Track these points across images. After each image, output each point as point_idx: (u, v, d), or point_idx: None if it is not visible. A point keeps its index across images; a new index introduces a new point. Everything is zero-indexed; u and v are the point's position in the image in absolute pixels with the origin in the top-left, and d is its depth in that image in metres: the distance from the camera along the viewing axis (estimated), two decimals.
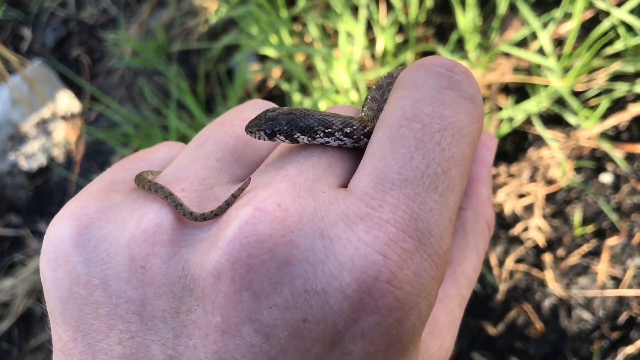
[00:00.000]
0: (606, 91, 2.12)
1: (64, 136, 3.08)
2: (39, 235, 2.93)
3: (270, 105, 0.70)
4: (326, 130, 0.62)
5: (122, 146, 2.79)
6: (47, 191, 3.03)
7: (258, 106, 0.70)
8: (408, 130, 0.55)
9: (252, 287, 0.49)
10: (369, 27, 2.45)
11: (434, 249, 0.52)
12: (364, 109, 0.68)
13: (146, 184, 0.59)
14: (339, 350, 0.50)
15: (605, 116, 2.11)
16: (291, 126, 0.62)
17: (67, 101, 3.11)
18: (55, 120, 3.08)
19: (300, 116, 0.63)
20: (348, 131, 0.62)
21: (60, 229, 0.58)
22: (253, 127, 0.63)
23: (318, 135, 0.61)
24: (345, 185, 0.58)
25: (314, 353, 0.50)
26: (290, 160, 0.59)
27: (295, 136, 0.62)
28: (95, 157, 3.01)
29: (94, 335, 0.54)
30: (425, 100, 0.57)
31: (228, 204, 0.55)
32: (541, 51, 2.19)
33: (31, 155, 3.02)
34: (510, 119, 2.19)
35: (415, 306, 0.51)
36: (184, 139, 2.54)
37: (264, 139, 0.63)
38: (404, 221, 0.51)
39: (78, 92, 3.16)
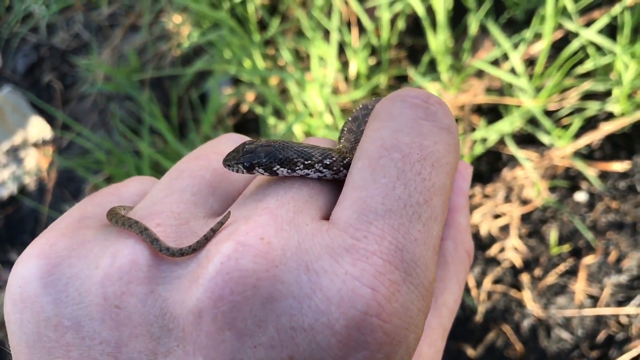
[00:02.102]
0: (578, 110, 2.14)
1: (36, 164, 3.03)
2: (10, 265, 2.87)
3: (245, 138, 0.69)
4: (306, 162, 0.61)
5: (94, 174, 2.75)
6: (18, 220, 2.97)
7: (232, 140, 0.69)
8: (388, 160, 0.55)
9: (235, 325, 0.48)
10: (342, 50, 2.45)
11: (420, 280, 0.51)
12: (341, 140, 0.68)
13: (119, 219, 0.57)
14: None
15: (578, 135, 2.12)
16: (270, 158, 0.61)
17: (38, 128, 3.06)
18: (27, 148, 3.03)
19: (279, 148, 0.62)
20: (327, 162, 0.61)
21: (27, 268, 0.55)
22: (231, 161, 0.62)
23: (298, 167, 0.61)
24: (326, 217, 0.57)
25: None
26: (269, 193, 0.58)
27: (275, 169, 0.61)
28: (68, 185, 2.96)
29: None
30: (403, 130, 0.57)
31: (207, 238, 0.53)
32: (513, 71, 2.20)
33: (1, 184, 2.97)
34: (484, 140, 2.19)
35: (403, 340, 0.50)
36: (157, 165, 2.51)
37: (242, 172, 0.62)
38: (390, 252, 0.50)
39: (50, 118, 3.12)
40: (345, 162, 0.62)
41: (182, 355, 0.49)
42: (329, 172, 0.61)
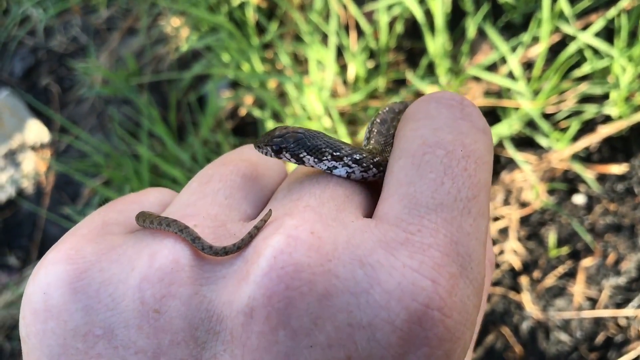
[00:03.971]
0: (576, 113, 2.15)
1: (34, 167, 3.03)
2: (8, 269, 2.86)
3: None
4: (334, 154, 0.60)
5: (92, 177, 2.75)
6: (16, 223, 2.97)
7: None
8: (433, 156, 0.53)
9: (290, 324, 0.45)
10: (340, 53, 2.46)
11: (474, 275, 0.49)
12: (371, 142, 0.66)
13: (154, 219, 0.53)
14: None
15: (576, 138, 2.13)
16: (298, 145, 0.60)
17: (36, 131, 3.06)
18: (24, 151, 3.03)
19: (308, 136, 0.61)
20: (357, 157, 0.60)
21: (52, 274, 0.51)
22: (261, 143, 0.62)
23: (325, 158, 0.60)
24: (366, 216, 0.55)
25: None
26: (305, 193, 0.56)
27: (301, 155, 0.60)
28: (66, 188, 2.96)
29: None
30: (444, 129, 0.56)
31: (251, 236, 0.50)
32: (511, 74, 2.21)
33: None
34: None
35: (462, 336, 0.48)
36: (156, 168, 2.51)
37: (271, 155, 0.62)
38: (446, 245, 0.48)
39: (48, 121, 3.11)
40: (375, 160, 0.60)
41: None
42: (357, 169, 0.60)
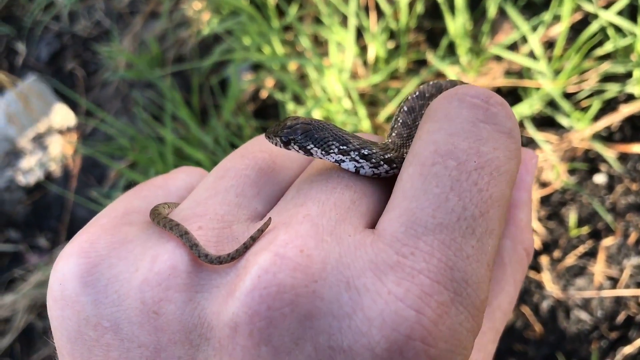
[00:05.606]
0: (597, 92, 2.13)
1: (61, 150, 3.09)
2: (38, 249, 2.94)
3: None
4: (341, 147, 0.59)
5: (117, 160, 2.80)
6: (45, 205, 3.04)
7: None
8: (442, 167, 0.50)
9: (271, 342, 0.46)
10: (360, 34, 2.46)
11: (470, 300, 0.48)
12: (393, 134, 0.65)
13: (161, 220, 0.56)
14: None
15: (597, 117, 2.11)
16: (306, 137, 0.60)
17: (62, 115, 3.12)
18: (51, 135, 3.09)
19: (317, 128, 0.61)
20: (365, 153, 0.58)
21: (67, 266, 0.55)
22: (271, 133, 0.62)
23: (332, 151, 0.59)
24: (370, 224, 0.54)
25: None
26: (311, 198, 0.55)
27: (309, 147, 0.60)
28: (93, 170, 3.02)
29: None
30: (460, 134, 0.52)
31: (246, 247, 0.52)
32: (532, 54, 2.20)
33: (28, 171, 3.03)
34: None
35: None
36: (180, 151, 2.55)
37: (280, 146, 0.62)
38: (439, 271, 0.47)
39: (74, 105, 3.17)
40: (386, 157, 0.59)
41: None
42: (366, 164, 0.58)
